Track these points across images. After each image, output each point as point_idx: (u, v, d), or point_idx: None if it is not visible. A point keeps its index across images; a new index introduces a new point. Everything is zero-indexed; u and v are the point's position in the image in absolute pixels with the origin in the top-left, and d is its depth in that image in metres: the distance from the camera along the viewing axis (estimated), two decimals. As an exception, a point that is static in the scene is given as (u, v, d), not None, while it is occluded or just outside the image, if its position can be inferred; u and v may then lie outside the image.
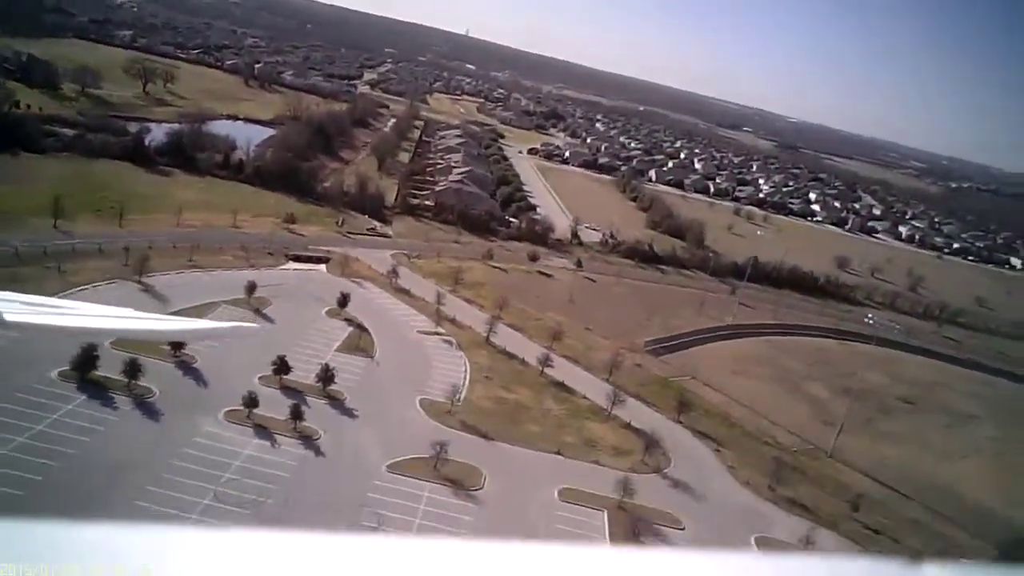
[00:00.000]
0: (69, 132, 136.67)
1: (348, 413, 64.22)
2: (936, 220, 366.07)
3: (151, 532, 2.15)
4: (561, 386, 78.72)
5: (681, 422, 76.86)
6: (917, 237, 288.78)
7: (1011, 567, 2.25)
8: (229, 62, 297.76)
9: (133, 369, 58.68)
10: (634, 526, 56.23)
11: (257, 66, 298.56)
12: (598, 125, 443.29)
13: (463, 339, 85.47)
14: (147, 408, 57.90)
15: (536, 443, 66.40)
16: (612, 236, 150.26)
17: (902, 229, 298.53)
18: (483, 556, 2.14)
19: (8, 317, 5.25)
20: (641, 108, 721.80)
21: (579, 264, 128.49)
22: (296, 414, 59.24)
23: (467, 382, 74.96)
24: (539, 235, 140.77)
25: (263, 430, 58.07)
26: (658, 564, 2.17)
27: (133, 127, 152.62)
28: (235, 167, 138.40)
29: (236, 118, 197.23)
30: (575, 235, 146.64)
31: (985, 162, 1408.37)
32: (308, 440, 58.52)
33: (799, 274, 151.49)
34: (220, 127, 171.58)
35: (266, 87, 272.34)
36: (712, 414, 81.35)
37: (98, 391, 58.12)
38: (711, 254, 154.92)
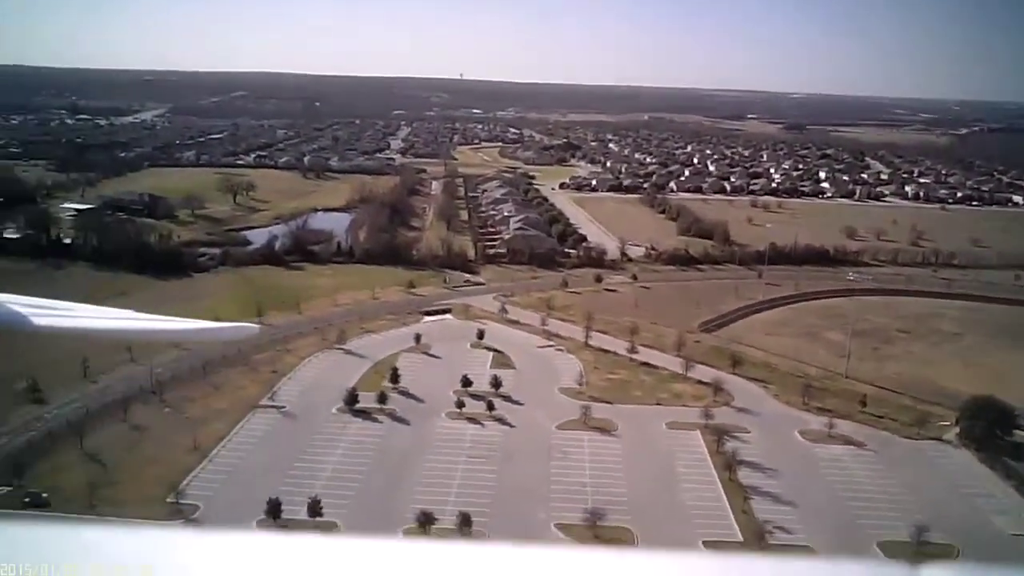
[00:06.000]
0: (211, 250, 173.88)
1: (517, 403, 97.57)
2: (943, 172, 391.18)
3: (150, 533, 2.23)
4: (647, 364, 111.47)
5: (735, 373, 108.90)
6: (922, 193, 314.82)
7: (1011, 567, 2.36)
8: (282, 160, 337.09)
9: (383, 397, 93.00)
10: (717, 436, 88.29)
11: (306, 159, 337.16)
12: (612, 146, 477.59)
13: (569, 346, 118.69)
14: (399, 419, 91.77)
15: (642, 400, 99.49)
16: (653, 248, 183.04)
17: (908, 188, 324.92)
18: (491, 559, 2.20)
19: (8, 319, 5.19)
20: (646, 117, 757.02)
21: (635, 277, 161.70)
22: (490, 407, 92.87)
23: (583, 372, 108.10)
24: (595, 259, 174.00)
25: (473, 420, 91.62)
26: (663, 566, 2.26)
27: (251, 234, 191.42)
28: (347, 252, 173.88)
29: (316, 210, 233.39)
30: (624, 254, 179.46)
31: (997, 99, 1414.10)
32: (502, 421, 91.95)
33: (812, 249, 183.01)
34: (311, 221, 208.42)
35: (320, 176, 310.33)
36: (756, 365, 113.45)
37: (365, 415, 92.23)
38: (737, 247, 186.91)
